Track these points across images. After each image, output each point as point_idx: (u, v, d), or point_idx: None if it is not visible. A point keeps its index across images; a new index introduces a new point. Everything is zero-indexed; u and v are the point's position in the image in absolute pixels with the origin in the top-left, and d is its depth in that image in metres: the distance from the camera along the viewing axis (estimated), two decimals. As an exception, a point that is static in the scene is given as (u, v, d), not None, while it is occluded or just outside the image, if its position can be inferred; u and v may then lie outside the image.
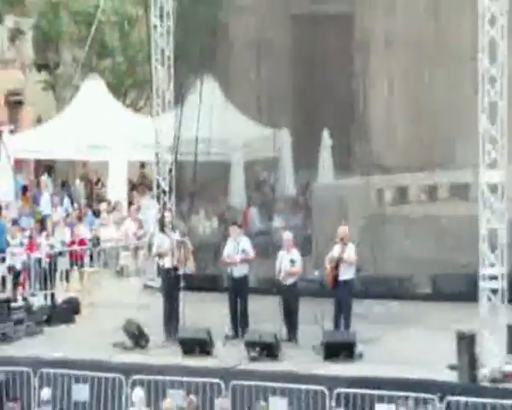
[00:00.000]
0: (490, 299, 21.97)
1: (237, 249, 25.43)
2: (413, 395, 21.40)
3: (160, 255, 26.52)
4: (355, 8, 29.92)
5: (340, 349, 23.39)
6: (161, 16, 30.77)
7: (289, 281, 24.76)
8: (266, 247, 27.36)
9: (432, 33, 27.37)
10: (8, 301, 28.13)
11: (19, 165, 41.50)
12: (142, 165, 39.76)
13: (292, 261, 24.70)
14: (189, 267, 26.99)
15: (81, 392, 23.57)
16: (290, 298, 24.74)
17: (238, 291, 25.57)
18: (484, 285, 22.07)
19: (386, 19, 29.00)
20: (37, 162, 42.51)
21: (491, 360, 21.77)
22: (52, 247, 33.59)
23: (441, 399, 21.16)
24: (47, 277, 31.51)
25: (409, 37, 28.43)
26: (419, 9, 27.22)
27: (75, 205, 39.79)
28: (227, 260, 25.67)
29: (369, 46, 29.85)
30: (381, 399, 21.33)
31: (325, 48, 29.50)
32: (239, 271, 25.41)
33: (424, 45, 28.01)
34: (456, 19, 25.59)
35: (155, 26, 30.62)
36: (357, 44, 29.89)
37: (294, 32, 30.35)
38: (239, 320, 25.51)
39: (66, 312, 28.17)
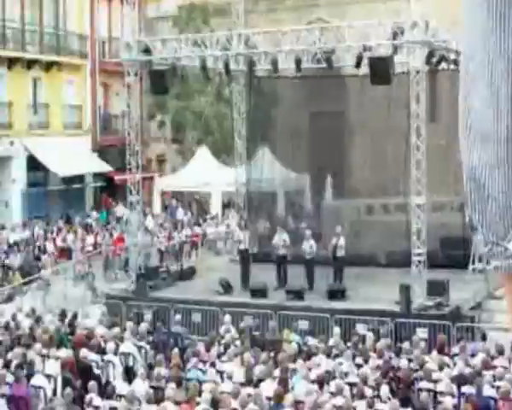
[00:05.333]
0: (417, 266, 22.87)
1: (281, 239, 25.72)
2: (376, 318, 21.71)
3: (241, 242, 27.07)
4: (345, 107, 29.64)
5: (336, 293, 23.93)
6: (239, 112, 30.56)
7: (309, 256, 25.15)
8: (296, 238, 26.69)
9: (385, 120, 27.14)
10: (157, 267, 28.70)
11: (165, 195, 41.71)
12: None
13: (311, 247, 25.26)
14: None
15: (196, 317, 23.77)
16: (310, 265, 25.21)
17: (281, 262, 25.77)
18: (414, 258, 22.87)
19: (361, 113, 28.86)
20: (173, 192, 41.69)
21: (418, 299, 22.45)
22: (180, 238, 34.07)
23: (392, 320, 21.69)
24: (178, 254, 32.26)
25: (373, 123, 27.89)
26: (379, 106, 27.00)
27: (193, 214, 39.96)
28: (275, 244, 25.86)
29: (354, 128, 29.55)
30: (359, 321, 21.74)
31: (327, 130, 29.57)
32: (282, 251, 25.61)
33: (381, 128, 27.39)
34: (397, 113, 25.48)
35: (236, 118, 31.16)
36: (346, 127, 29.69)
37: (311, 121, 30.40)
38: (281, 278, 25.63)
39: (189, 273, 28.50)
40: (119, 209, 37.57)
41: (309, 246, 25.01)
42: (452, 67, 24.42)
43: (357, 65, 23.76)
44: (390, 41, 22.57)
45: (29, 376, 16.32)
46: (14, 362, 16.97)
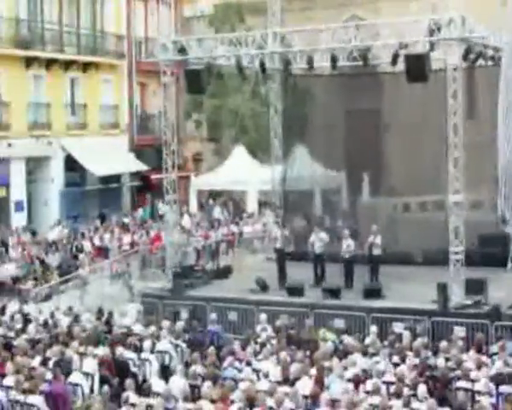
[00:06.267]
0: (455, 264, 22.62)
1: (317, 238, 25.69)
2: (413, 316, 21.49)
3: (277, 241, 27.07)
4: (381, 105, 29.36)
5: (373, 292, 23.73)
6: (275, 111, 30.49)
7: (347, 255, 25.09)
8: (332, 236, 26.87)
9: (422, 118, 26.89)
10: (193, 265, 28.86)
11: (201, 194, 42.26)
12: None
13: (348, 246, 25.16)
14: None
15: (232, 315, 23.73)
16: (348, 264, 25.11)
17: (318, 261, 25.76)
18: (452, 257, 22.64)
19: (397, 111, 28.63)
20: (209, 191, 42.07)
21: (455, 297, 22.24)
22: (217, 236, 34.44)
23: (429, 318, 21.47)
24: (214, 253, 32.36)
25: (409, 120, 27.70)
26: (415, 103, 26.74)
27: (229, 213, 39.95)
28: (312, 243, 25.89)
29: (390, 125, 29.30)
30: (395, 320, 21.46)
31: (363, 127, 29.30)
32: (318, 249, 25.62)
33: (418, 125, 27.21)
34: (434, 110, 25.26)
35: (272, 117, 30.84)
36: (382, 125, 29.42)
37: (347, 119, 30.07)
38: (318, 276, 25.64)
39: (225, 272, 28.49)
40: (162, 207, 37.89)
41: (346, 245, 24.90)
42: (490, 63, 24.34)
43: (394, 62, 23.56)
44: (426, 38, 22.35)
45: (67, 373, 16.44)
46: (53, 360, 17.19)
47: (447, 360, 17.06)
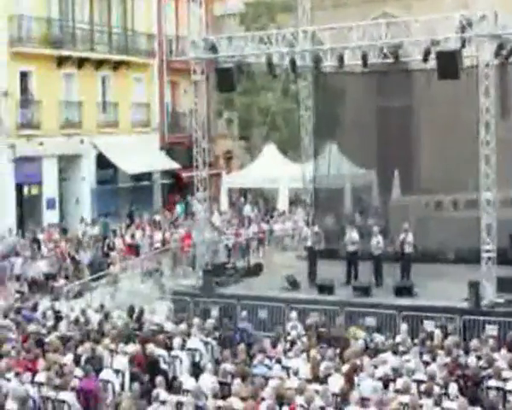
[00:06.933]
0: (487, 262, 22.39)
1: (351, 236, 25.52)
2: (444, 315, 21.34)
3: (307, 239, 26.98)
4: (412, 102, 29.17)
5: (404, 290, 23.62)
6: (306, 109, 30.30)
7: (377, 252, 25.06)
8: (363, 234, 26.36)
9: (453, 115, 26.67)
10: (224, 263, 28.97)
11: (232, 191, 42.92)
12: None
13: (378, 243, 25.09)
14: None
15: (262, 313, 23.69)
16: (377, 262, 25.08)
17: (351, 259, 25.55)
18: (484, 255, 22.41)
19: (428, 108, 28.42)
20: (240, 188, 42.47)
21: (487, 296, 22.07)
22: (248, 234, 34.51)
23: (460, 317, 21.30)
24: (245, 251, 31.96)
25: (441, 117, 27.48)
26: (447, 100, 26.49)
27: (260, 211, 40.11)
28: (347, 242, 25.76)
29: (421, 123, 29.09)
30: (427, 318, 21.39)
31: (394, 125, 29.09)
32: (352, 247, 25.49)
33: (449, 122, 27.01)
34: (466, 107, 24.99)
35: (303, 114, 30.56)
36: (414, 122, 29.23)
37: (378, 117, 29.87)
38: (350, 275, 25.48)
39: (255, 270, 28.46)
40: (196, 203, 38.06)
41: (376, 242, 24.83)
42: (523, 60, 24.39)
43: (425, 59, 23.47)
44: (458, 34, 22.25)
45: (98, 370, 16.49)
46: (84, 357, 17.24)
47: (479, 358, 16.92)
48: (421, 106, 29.31)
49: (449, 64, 22.09)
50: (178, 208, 41.27)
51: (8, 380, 15.58)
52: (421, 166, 29.63)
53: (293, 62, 25.46)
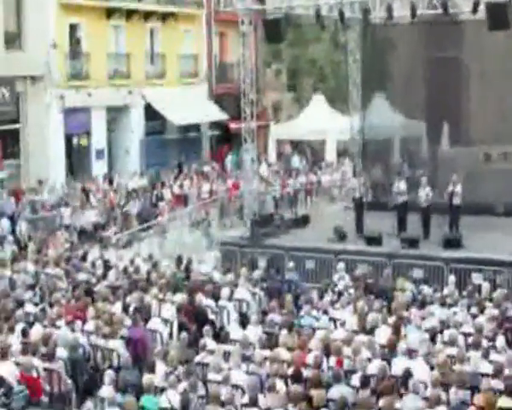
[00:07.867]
0: None
1: (399, 187, 25.11)
2: (493, 267, 20.98)
3: (355, 190, 26.53)
4: (461, 53, 28.54)
5: (452, 242, 23.30)
6: (354, 60, 30.17)
7: (425, 204, 24.54)
8: (412, 185, 25.64)
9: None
10: (271, 214, 29.07)
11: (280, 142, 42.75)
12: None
13: (427, 194, 24.58)
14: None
15: (309, 264, 23.32)
16: (426, 213, 24.65)
17: (401, 210, 25.05)
18: None
19: (478, 59, 27.87)
20: (288, 140, 42.12)
21: None
22: (295, 185, 34.48)
23: (509, 270, 20.93)
24: (292, 202, 32.77)
25: (491, 69, 26.93)
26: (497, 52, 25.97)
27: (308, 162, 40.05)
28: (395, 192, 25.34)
29: (471, 74, 28.53)
30: (475, 270, 21.09)
31: (443, 76, 28.45)
32: (401, 198, 24.96)
33: (499, 74, 26.47)
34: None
35: (351, 66, 30.70)
36: (463, 74, 28.66)
37: (427, 68, 29.34)
38: (399, 226, 25.07)
39: (303, 221, 28.28)
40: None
41: (425, 194, 24.48)
42: None
43: (474, 10, 23.18)
44: (509, -15, 21.94)
45: (146, 319, 16.66)
46: (132, 306, 17.38)
47: (527, 311, 17.00)
48: (470, 57, 28.60)
49: (498, 15, 21.81)
50: (230, 158, 41.34)
51: (59, 328, 15.72)
52: (471, 117, 29.07)
53: (341, 14, 25.14)
